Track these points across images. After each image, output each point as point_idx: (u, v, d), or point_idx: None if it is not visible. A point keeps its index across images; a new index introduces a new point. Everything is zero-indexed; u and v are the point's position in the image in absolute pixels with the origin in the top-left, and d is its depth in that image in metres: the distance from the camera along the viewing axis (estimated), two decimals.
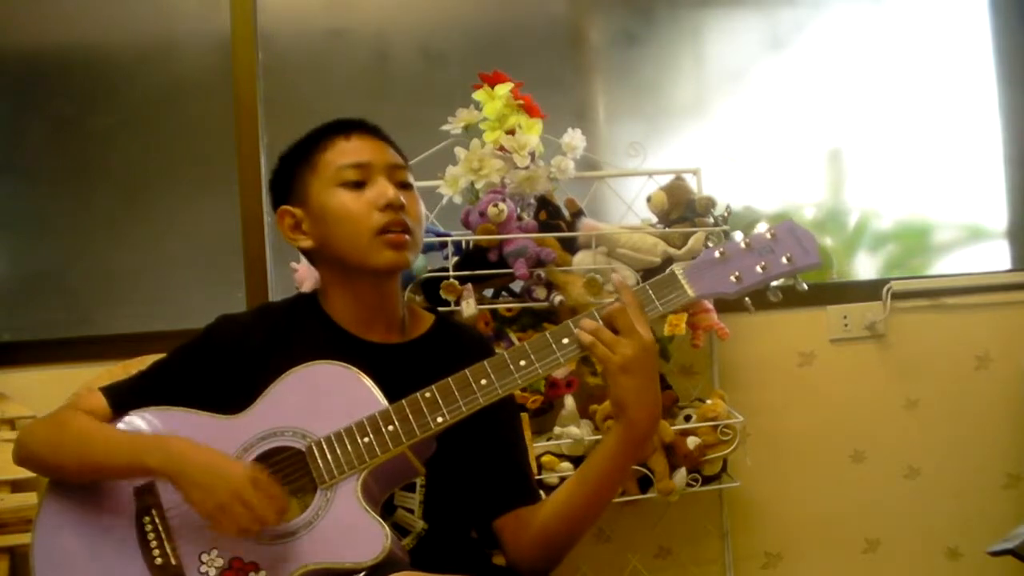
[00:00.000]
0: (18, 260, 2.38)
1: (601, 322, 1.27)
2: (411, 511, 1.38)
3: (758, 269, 1.29)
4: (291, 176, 1.46)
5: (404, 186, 1.44)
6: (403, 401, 1.28)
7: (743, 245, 1.30)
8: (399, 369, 1.39)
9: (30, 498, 1.86)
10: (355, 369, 1.32)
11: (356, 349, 1.41)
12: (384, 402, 1.29)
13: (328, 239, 1.42)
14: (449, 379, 1.28)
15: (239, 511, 1.20)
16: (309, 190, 1.43)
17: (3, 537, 1.88)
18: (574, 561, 2.32)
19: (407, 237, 1.40)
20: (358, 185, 1.41)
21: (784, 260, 1.29)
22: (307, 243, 1.45)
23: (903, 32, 2.75)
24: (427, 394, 1.28)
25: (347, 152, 1.42)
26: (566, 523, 1.36)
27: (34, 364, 2.18)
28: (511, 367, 1.28)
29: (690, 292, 1.29)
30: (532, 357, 1.28)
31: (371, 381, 1.31)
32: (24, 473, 1.86)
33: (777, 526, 2.49)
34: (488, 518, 1.43)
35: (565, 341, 1.29)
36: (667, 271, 1.32)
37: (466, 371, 1.29)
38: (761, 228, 1.31)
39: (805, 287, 1.31)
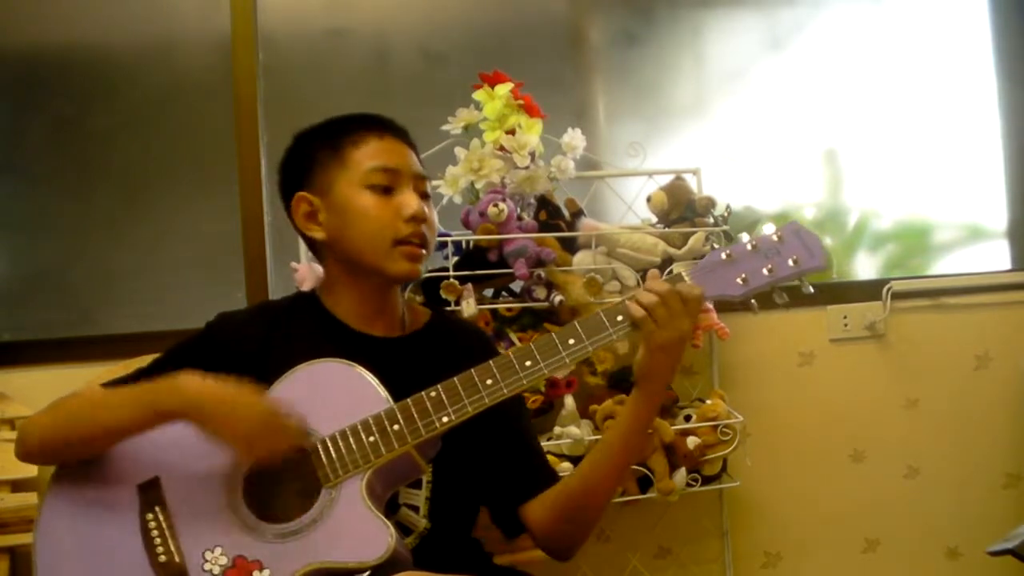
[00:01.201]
0: (18, 260, 2.38)
1: (655, 300, 1.28)
2: (416, 508, 1.39)
3: (764, 271, 1.30)
4: (312, 162, 1.44)
5: (425, 196, 1.45)
6: (408, 400, 1.28)
7: (749, 247, 1.31)
8: (401, 363, 1.40)
9: (30, 498, 1.86)
10: (360, 367, 1.32)
11: (358, 343, 1.41)
12: (389, 401, 1.29)
13: (345, 236, 1.41)
14: (455, 379, 1.29)
15: (268, 434, 1.22)
16: (333, 183, 1.42)
17: (3, 537, 1.88)
18: (574, 561, 2.31)
19: (424, 252, 1.41)
20: (386, 190, 1.40)
21: (790, 263, 1.30)
22: (320, 235, 1.44)
23: (903, 32, 2.75)
24: (432, 394, 1.28)
25: (379, 154, 1.41)
26: (591, 494, 1.39)
27: (34, 364, 2.17)
28: (516, 367, 1.28)
29: None
30: (538, 357, 1.29)
31: (376, 379, 1.31)
32: (24, 473, 1.87)
33: (777, 526, 2.49)
34: (512, 506, 1.44)
35: (571, 342, 1.29)
36: (673, 272, 1.33)
37: (472, 371, 1.29)
38: (767, 230, 1.32)
39: (811, 290, 1.33)
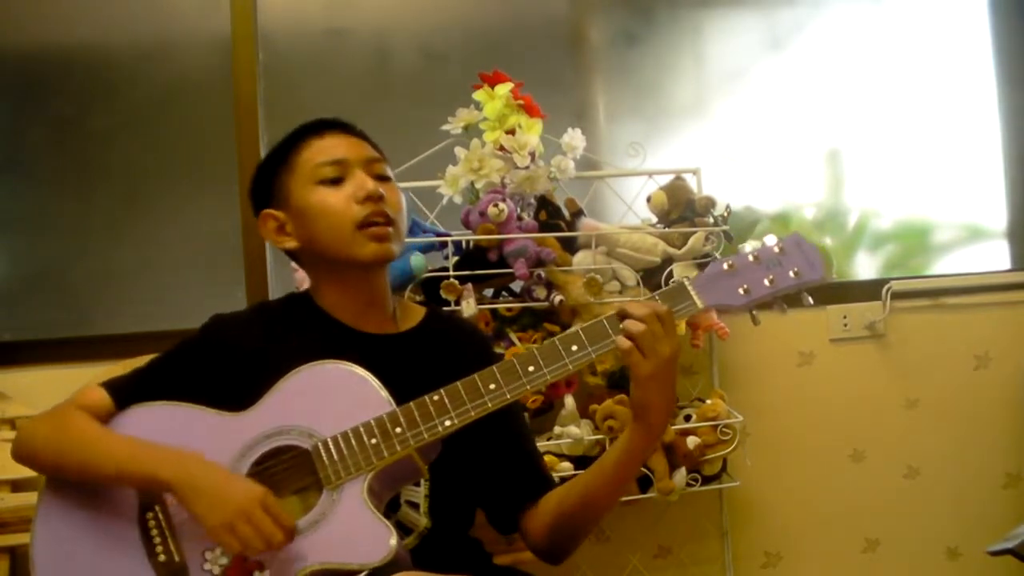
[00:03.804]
0: (18, 260, 2.38)
1: (643, 328, 1.25)
2: (416, 505, 1.39)
3: (766, 283, 1.30)
4: (270, 180, 1.47)
5: (382, 178, 1.45)
6: (411, 404, 1.29)
7: (751, 258, 1.32)
8: (397, 359, 1.40)
9: (30, 498, 1.86)
10: (363, 369, 1.32)
11: (354, 341, 1.42)
12: (392, 403, 1.29)
13: (312, 237, 1.42)
14: (458, 383, 1.29)
15: (246, 530, 1.20)
16: (289, 191, 1.44)
17: (3, 537, 1.89)
18: (574, 561, 2.30)
19: (390, 229, 1.41)
20: (336, 181, 1.41)
21: (791, 274, 1.31)
22: (292, 244, 1.45)
23: (903, 32, 2.75)
24: (435, 397, 1.28)
25: (323, 150, 1.43)
26: (583, 510, 1.39)
27: (34, 364, 2.18)
28: (520, 372, 1.29)
29: (699, 303, 1.30)
30: (541, 363, 1.29)
31: (378, 382, 1.31)
32: (24, 473, 1.85)
33: (777, 526, 2.49)
34: (508, 511, 1.45)
35: (574, 348, 1.29)
36: (676, 281, 1.33)
37: (475, 375, 1.29)
38: (769, 241, 1.33)
39: (811, 302, 1.33)
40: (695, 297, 1.30)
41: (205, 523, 1.22)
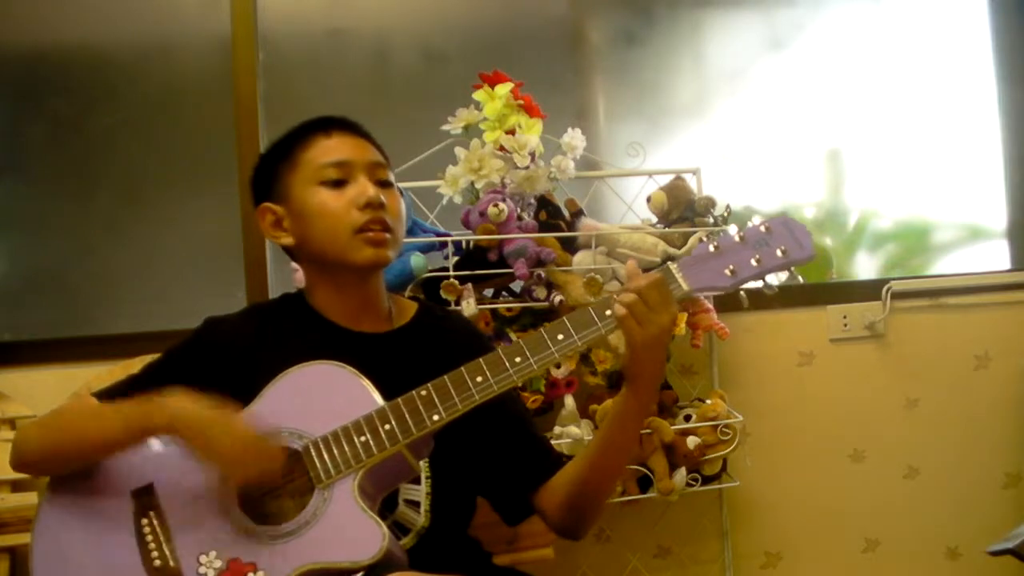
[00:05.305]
0: (18, 260, 2.38)
1: (634, 297, 1.26)
2: (416, 504, 1.39)
3: (752, 262, 1.30)
4: (272, 173, 1.47)
5: (384, 184, 1.45)
6: (399, 400, 1.29)
7: (737, 239, 1.31)
8: (390, 357, 1.41)
9: (30, 498, 1.86)
10: (351, 368, 1.32)
11: (347, 340, 1.42)
12: (380, 401, 1.30)
13: (308, 237, 1.43)
14: (445, 377, 1.29)
15: (253, 458, 1.22)
16: (290, 188, 1.44)
17: (3, 537, 1.88)
18: (574, 560, 2.32)
19: (387, 235, 1.41)
20: (338, 183, 1.42)
21: (779, 253, 1.30)
22: (288, 240, 1.46)
23: (903, 32, 2.75)
24: (423, 392, 1.29)
25: (328, 150, 1.43)
26: (592, 483, 1.40)
27: (34, 364, 2.17)
28: (506, 364, 1.29)
29: (684, 286, 1.30)
30: (528, 353, 1.29)
31: (367, 380, 1.32)
32: (24, 473, 1.87)
33: (777, 526, 2.49)
34: (522, 494, 1.46)
35: (560, 337, 1.29)
36: (662, 266, 1.32)
37: (462, 369, 1.29)
38: (755, 222, 1.32)
39: (801, 280, 1.32)
40: (680, 280, 1.29)
41: (209, 454, 1.24)
